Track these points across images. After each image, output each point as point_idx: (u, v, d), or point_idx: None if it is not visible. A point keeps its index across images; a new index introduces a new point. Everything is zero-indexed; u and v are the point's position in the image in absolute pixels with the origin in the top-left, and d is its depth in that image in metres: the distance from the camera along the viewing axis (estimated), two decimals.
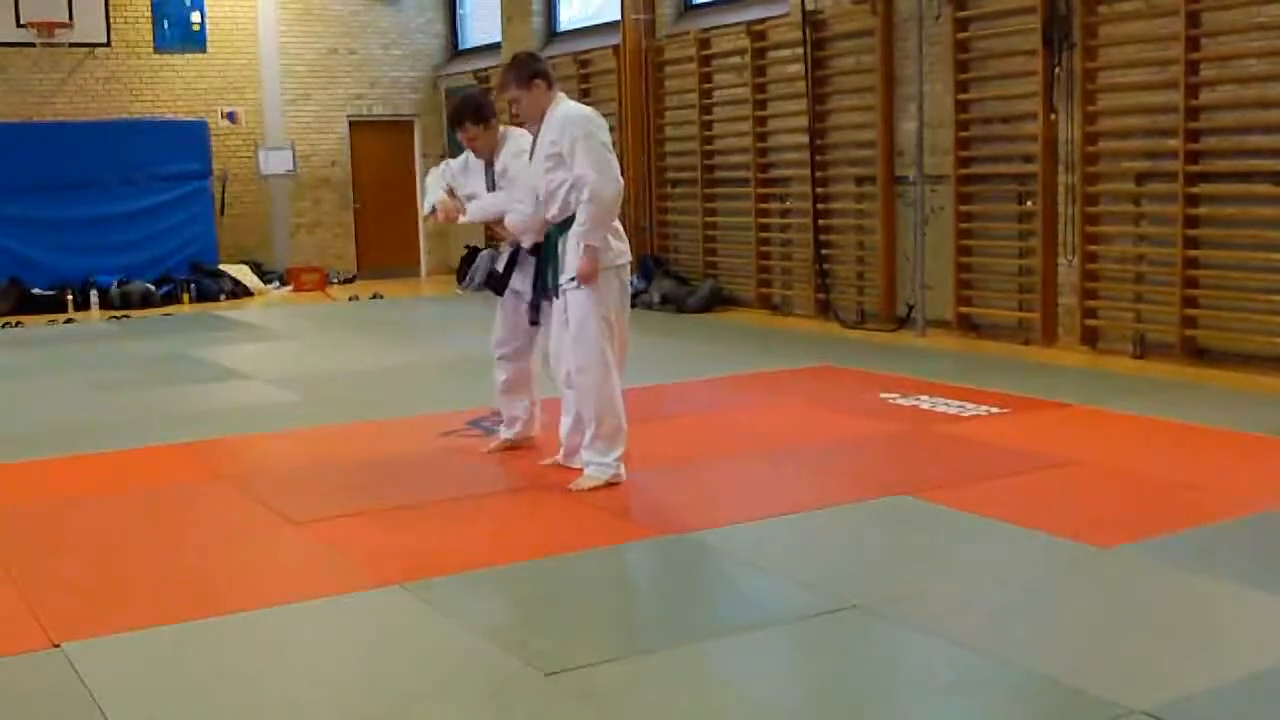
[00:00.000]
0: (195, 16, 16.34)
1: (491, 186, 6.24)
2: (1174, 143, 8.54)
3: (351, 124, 17.47)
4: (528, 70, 5.73)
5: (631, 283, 14.12)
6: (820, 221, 11.56)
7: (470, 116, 6.13)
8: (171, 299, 15.04)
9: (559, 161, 5.60)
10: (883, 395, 7.75)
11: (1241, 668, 3.59)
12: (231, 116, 16.74)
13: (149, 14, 16.14)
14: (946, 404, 7.42)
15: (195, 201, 15.83)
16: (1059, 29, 9.19)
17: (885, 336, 10.50)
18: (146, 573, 4.74)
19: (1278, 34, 8.04)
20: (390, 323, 12.72)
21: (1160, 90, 8.75)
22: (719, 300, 12.74)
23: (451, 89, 17.49)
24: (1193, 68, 8.46)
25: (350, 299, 15.02)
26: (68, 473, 6.41)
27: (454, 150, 17.46)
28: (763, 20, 12.09)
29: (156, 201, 15.53)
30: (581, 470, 5.77)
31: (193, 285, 15.24)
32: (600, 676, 3.66)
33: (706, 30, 12.85)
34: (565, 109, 5.71)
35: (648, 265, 13.30)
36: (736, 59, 12.51)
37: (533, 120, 5.77)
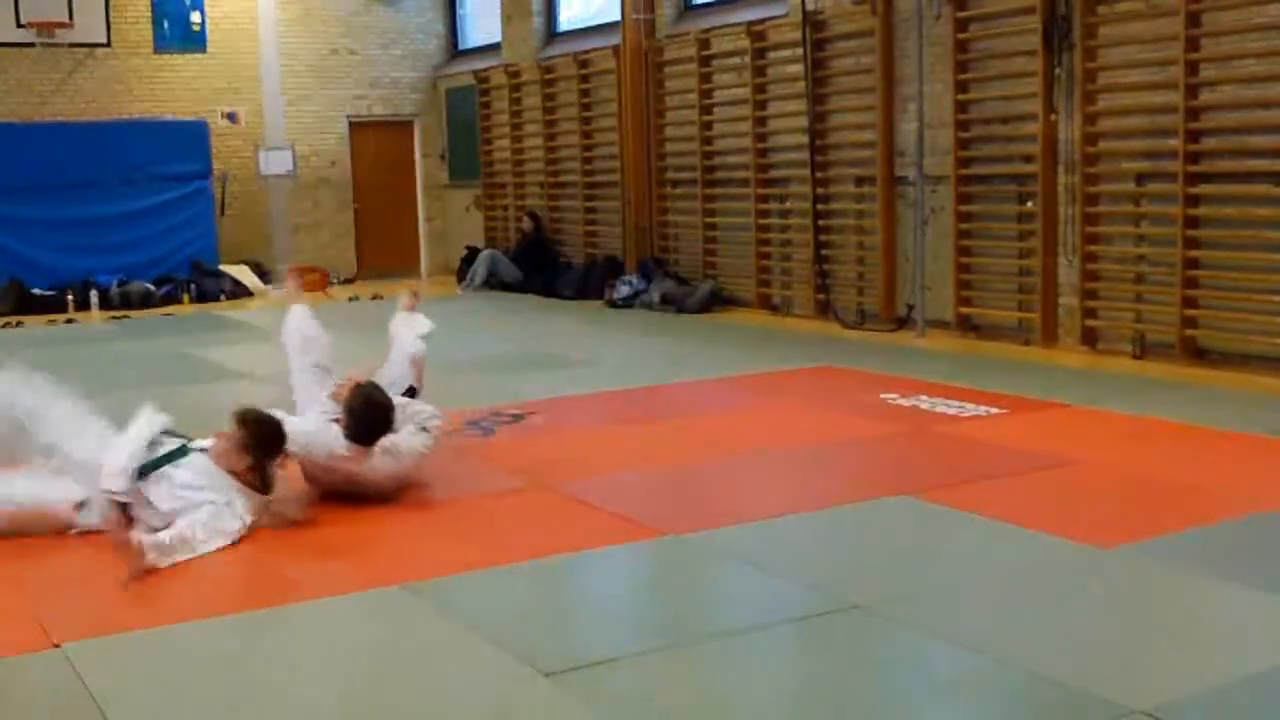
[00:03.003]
0: (195, 16, 16.34)
1: None
2: (1174, 143, 8.54)
3: (351, 124, 17.47)
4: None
5: (631, 282, 14.06)
6: (820, 221, 11.56)
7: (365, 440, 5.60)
8: (171, 299, 15.03)
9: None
10: (883, 395, 7.75)
11: (1241, 668, 3.59)
12: (232, 117, 16.74)
13: (149, 14, 16.14)
14: (946, 404, 7.42)
15: (195, 201, 15.83)
16: (1059, 29, 9.18)
17: (885, 337, 10.50)
18: (146, 573, 4.74)
19: (1278, 34, 8.04)
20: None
21: (1160, 90, 8.75)
22: (719, 300, 12.72)
23: (451, 89, 17.51)
24: (1193, 68, 8.45)
25: (350, 299, 15.01)
26: None
27: (454, 151, 17.57)
28: (763, 20, 12.09)
29: (156, 201, 15.53)
30: None
31: (193, 285, 15.24)
32: (600, 676, 3.66)
33: (706, 30, 12.85)
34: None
35: (648, 265, 13.29)
36: (736, 59, 12.50)
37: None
